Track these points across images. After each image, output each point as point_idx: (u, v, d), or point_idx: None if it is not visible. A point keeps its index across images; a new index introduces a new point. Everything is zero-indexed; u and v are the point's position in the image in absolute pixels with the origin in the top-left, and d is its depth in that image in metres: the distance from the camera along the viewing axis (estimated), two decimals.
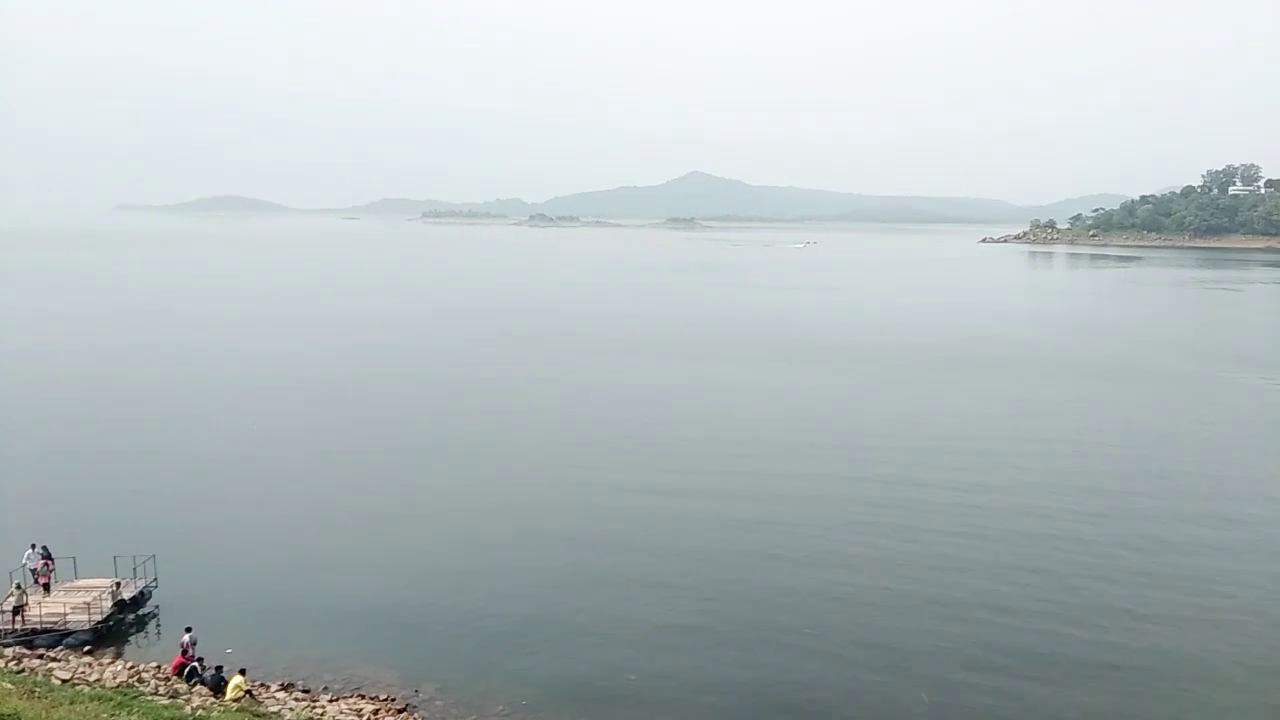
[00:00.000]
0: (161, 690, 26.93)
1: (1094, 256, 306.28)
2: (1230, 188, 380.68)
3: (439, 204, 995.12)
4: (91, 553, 35.16)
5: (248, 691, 26.84)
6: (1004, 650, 30.38)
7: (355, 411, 64.01)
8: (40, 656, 29.58)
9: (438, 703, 27.40)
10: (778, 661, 29.76)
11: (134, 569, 34.08)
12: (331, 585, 35.43)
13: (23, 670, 27.52)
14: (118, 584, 33.14)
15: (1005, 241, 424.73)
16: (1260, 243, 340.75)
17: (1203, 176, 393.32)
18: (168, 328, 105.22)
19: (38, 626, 31.25)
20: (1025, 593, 34.77)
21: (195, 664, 28.26)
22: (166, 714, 24.66)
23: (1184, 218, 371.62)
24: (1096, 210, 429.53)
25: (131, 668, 28.69)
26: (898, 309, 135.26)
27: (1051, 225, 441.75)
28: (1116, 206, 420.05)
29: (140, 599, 33.69)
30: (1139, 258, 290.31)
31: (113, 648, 31.05)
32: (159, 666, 28.86)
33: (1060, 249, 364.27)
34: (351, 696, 27.61)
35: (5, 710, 22.28)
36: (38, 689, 25.40)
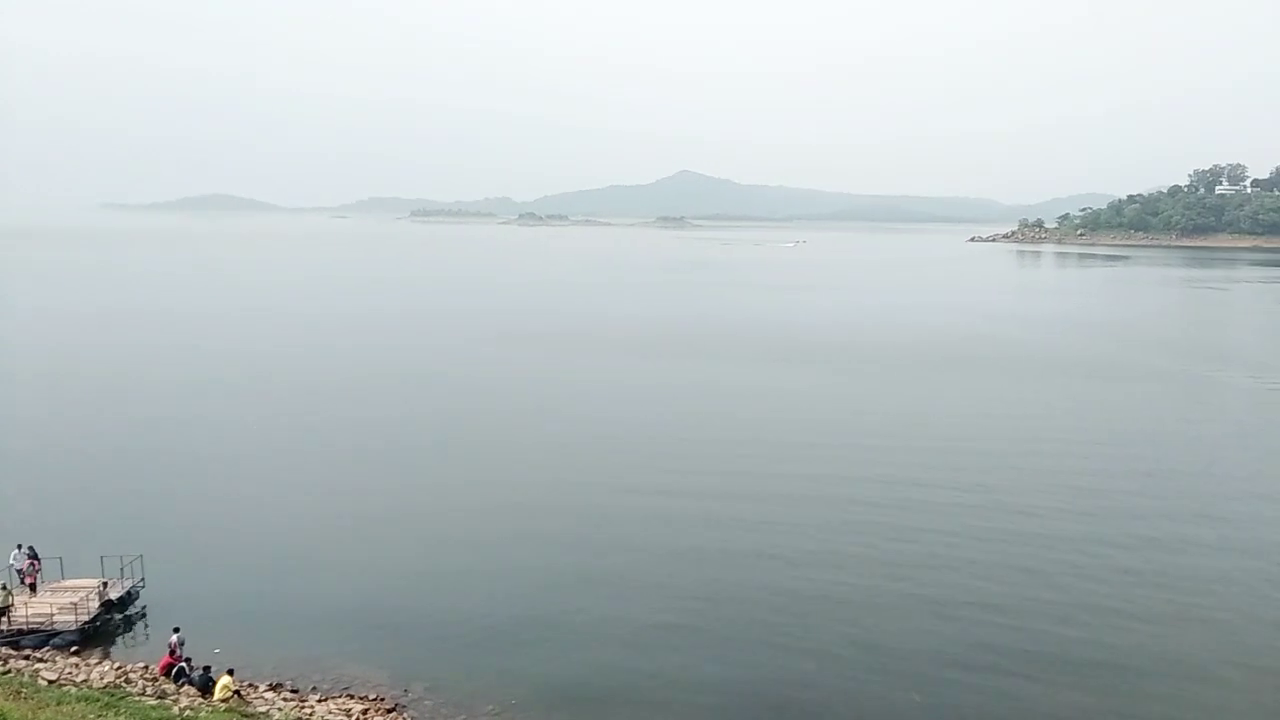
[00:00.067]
0: (149, 691, 26.79)
1: (1082, 256, 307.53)
2: (1217, 187, 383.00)
3: (428, 203, 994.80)
4: (78, 553, 34.96)
5: (236, 692, 26.71)
6: (995, 649, 30.44)
7: (344, 410, 63.75)
8: (26, 657, 29.38)
9: (427, 702, 27.31)
10: (770, 661, 29.76)
11: (121, 569, 33.89)
12: (321, 585, 35.30)
13: (9, 671, 27.30)
14: (105, 584, 32.94)
15: (994, 241, 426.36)
16: (1246, 242, 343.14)
17: (1189, 176, 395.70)
18: (155, 325, 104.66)
19: (24, 627, 31.03)
20: (1015, 592, 34.86)
21: (183, 664, 28.12)
22: (154, 715, 24.53)
23: (1171, 217, 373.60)
24: (1084, 210, 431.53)
25: (119, 668, 28.54)
26: (888, 309, 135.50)
27: (1039, 224, 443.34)
28: (1104, 206, 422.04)
29: (128, 599, 33.49)
30: (1126, 257, 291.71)
31: (100, 648, 30.88)
32: (146, 667, 28.72)
33: (1048, 248, 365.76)
34: (340, 696, 27.50)
35: None
36: (24, 690, 25.24)
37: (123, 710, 24.55)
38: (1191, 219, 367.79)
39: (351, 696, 27.47)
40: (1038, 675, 28.88)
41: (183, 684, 27.50)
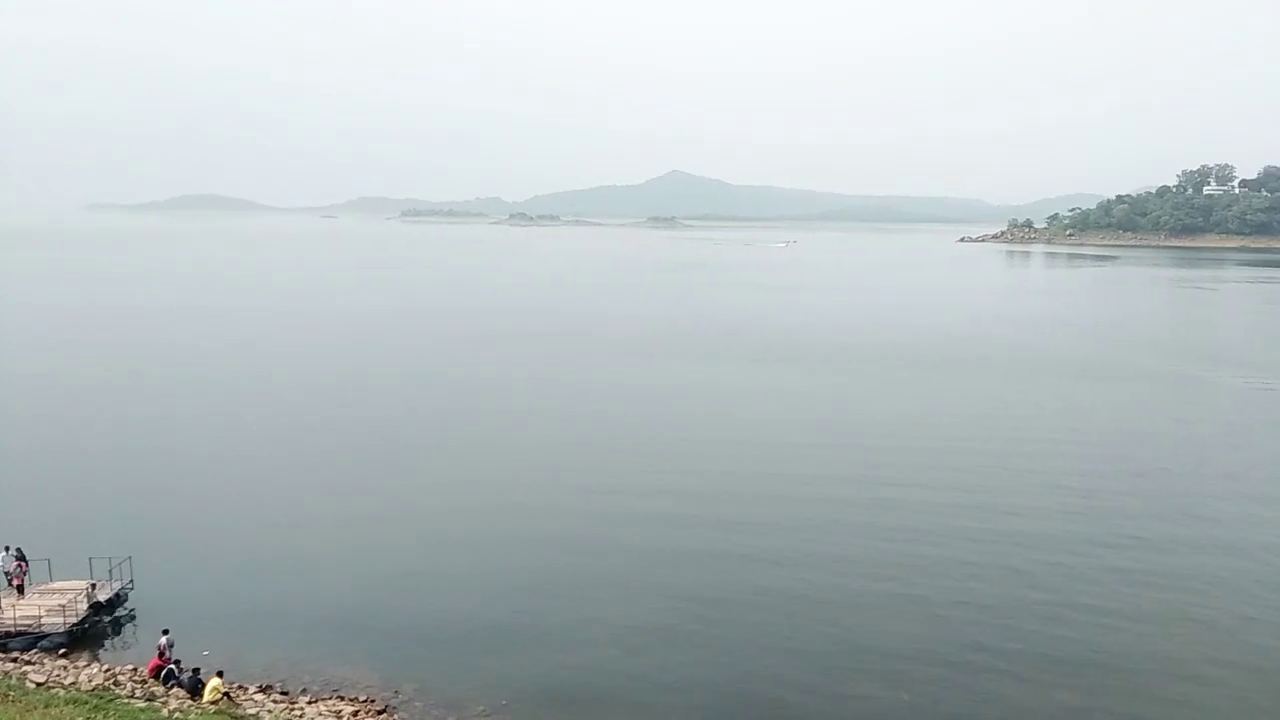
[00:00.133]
0: (138, 693, 26.71)
1: (1071, 256, 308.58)
2: (1205, 188, 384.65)
3: (418, 203, 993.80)
4: (66, 554, 34.77)
5: (225, 694, 26.64)
6: (984, 649, 30.53)
7: (332, 411, 63.60)
8: (14, 660, 29.26)
9: (417, 704, 27.26)
10: (757, 662, 29.79)
11: (110, 571, 33.71)
12: (311, 586, 35.20)
13: None
14: (93, 586, 32.81)
15: (983, 241, 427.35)
16: (1234, 242, 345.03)
17: (1178, 176, 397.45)
18: (142, 325, 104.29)
19: (12, 629, 30.86)
20: (1005, 591, 34.98)
21: (172, 666, 28.01)
22: (143, 717, 24.47)
23: (1159, 217, 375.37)
24: (1073, 210, 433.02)
25: (108, 670, 28.44)
26: (879, 309, 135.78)
27: (1029, 225, 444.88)
28: (1093, 206, 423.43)
29: (116, 601, 33.35)
30: (1115, 257, 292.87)
31: (88, 650, 30.72)
32: (135, 669, 28.61)
33: (1038, 248, 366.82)
34: (331, 698, 27.42)
35: None
36: (12, 693, 25.13)
37: (111, 713, 24.48)
38: (1180, 219, 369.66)
39: (342, 698, 27.40)
40: (1027, 675, 28.98)
41: (172, 686, 27.39)
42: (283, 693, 27.82)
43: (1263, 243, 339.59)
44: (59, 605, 31.53)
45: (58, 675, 27.78)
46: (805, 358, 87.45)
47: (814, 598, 34.36)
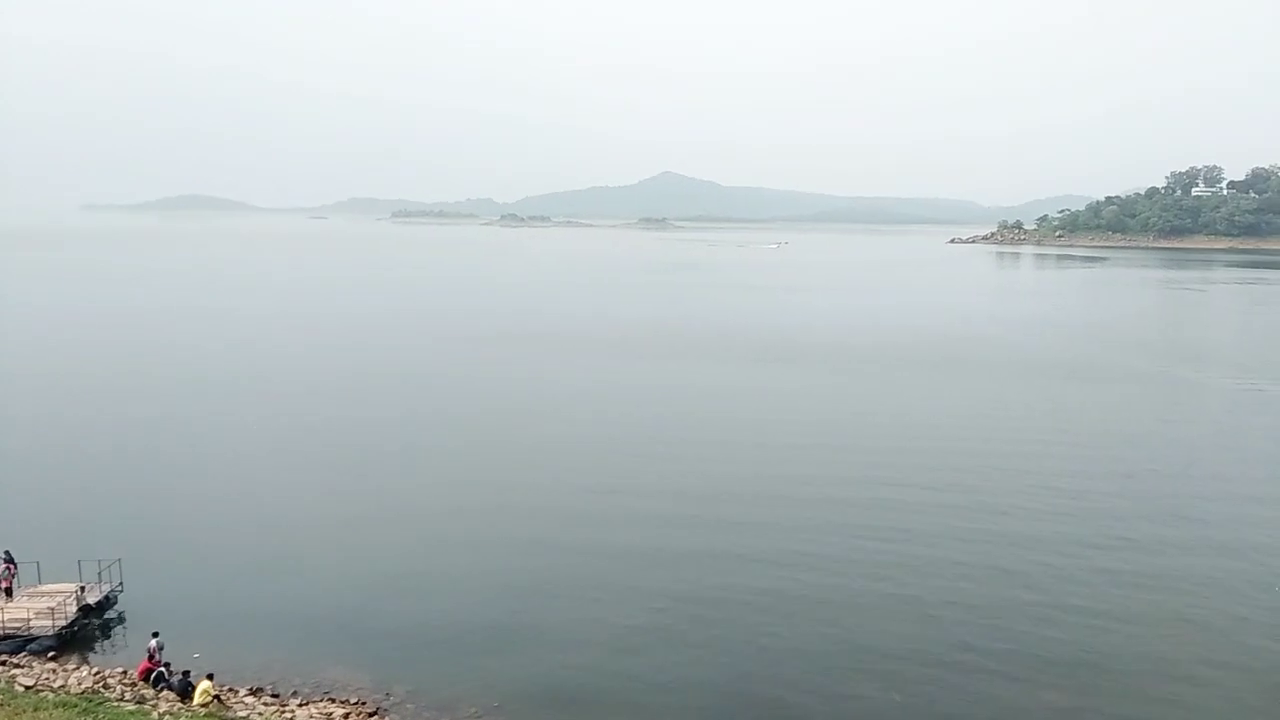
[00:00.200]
0: (128, 696, 26.60)
1: (1060, 257, 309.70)
2: (1193, 189, 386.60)
3: (409, 204, 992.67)
4: (55, 557, 34.59)
5: (216, 696, 26.55)
6: (975, 649, 30.61)
7: (323, 412, 63.44)
8: (3, 663, 29.11)
9: (408, 706, 27.21)
10: (750, 662, 29.82)
11: (99, 573, 33.55)
12: (301, 588, 35.10)
13: None
14: (82, 588, 32.66)
15: (974, 242, 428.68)
16: (1222, 243, 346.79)
17: (1166, 178, 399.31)
18: (141, 325, 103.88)
19: (0, 633, 30.71)
20: (996, 592, 35.08)
21: (162, 669, 27.91)
22: None
23: (1148, 219, 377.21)
24: (1063, 211, 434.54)
25: (97, 674, 28.33)
26: (870, 310, 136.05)
27: (1019, 226, 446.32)
28: (1082, 208, 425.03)
29: (106, 604, 33.19)
30: (1104, 258, 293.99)
31: (78, 653, 30.58)
32: (125, 672, 28.51)
33: (1027, 249, 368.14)
34: (322, 700, 27.35)
35: None
36: (0, 696, 25.00)
37: (101, 716, 24.38)
38: (1168, 221, 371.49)
39: (333, 700, 27.33)
40: (1018, 675, 29.06)
41: (162, 689, 27.30)
42: (273, 695, 27.74)
43: (1250, 244, 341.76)
44: (48, 608, 31.38)
45: (47, 678, 27.66)
46: (799, 358, 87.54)
47: (807, 597, 34.39)
